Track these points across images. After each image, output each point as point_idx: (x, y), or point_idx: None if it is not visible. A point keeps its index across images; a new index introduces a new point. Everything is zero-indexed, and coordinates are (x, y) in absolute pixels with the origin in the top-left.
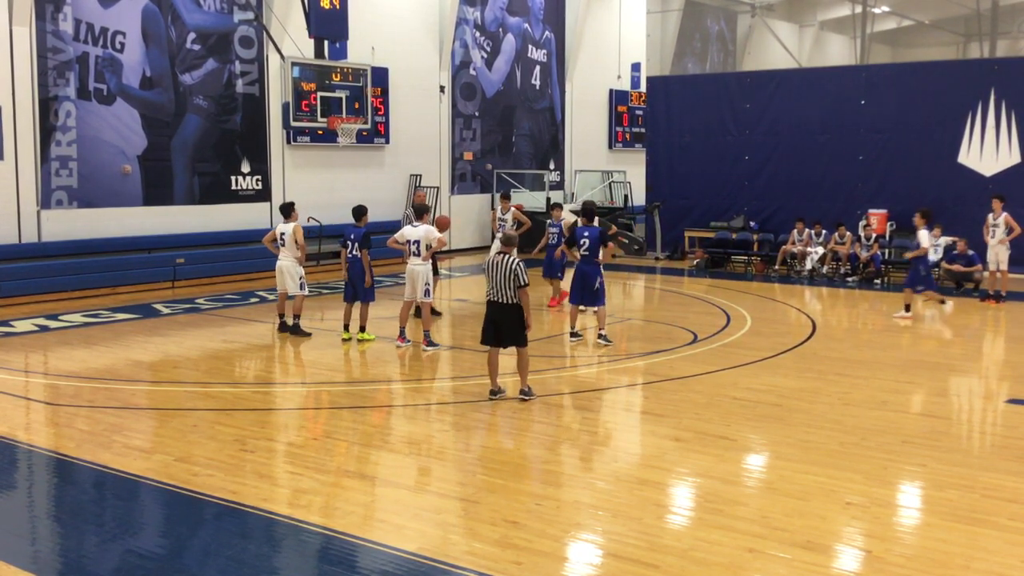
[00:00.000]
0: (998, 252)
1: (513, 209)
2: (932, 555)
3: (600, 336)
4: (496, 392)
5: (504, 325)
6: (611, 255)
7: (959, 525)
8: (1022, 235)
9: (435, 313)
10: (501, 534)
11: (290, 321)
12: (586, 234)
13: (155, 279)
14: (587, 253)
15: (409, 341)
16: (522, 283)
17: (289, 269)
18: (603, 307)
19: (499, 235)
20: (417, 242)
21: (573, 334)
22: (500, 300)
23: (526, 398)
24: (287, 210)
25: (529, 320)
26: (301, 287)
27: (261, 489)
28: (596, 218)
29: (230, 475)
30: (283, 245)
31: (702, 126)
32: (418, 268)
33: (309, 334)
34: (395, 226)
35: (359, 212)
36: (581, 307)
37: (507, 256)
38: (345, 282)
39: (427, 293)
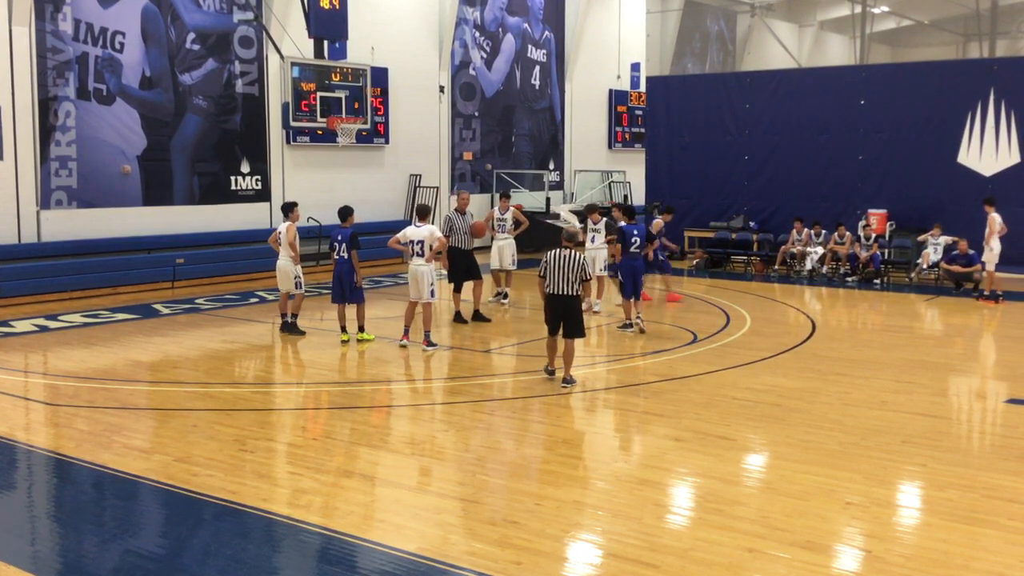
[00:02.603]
0: (984, 252)
1: (512, 208)
2: (932, 555)
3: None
4: (553, 372)
5: (569, 317)
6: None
7: (959, 525)
8: (1017, 235)
9: (484, 319)
10: (501, 534)
11: (289, 319)
12: (636, 232)
13: (155, 279)
14: (638, 250)
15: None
16: (587, 276)
17: (286, 268)
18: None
19: (563, 232)
20: (421, 242)
21: (627, 325)
22: (565, 293)
23: (567, 386)
24: (286, 209)
25: (600, 294)
26: (297, 286)
27: (261, 489)
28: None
29: (230, 475)
30: (281, 244)
31: (702, 126)
32: (422, 268)
33: (303, 333)
34: (395, 226)
35: (344, 213)
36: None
37: (573, 251)
38: (332, 284)
39: (432, 294)
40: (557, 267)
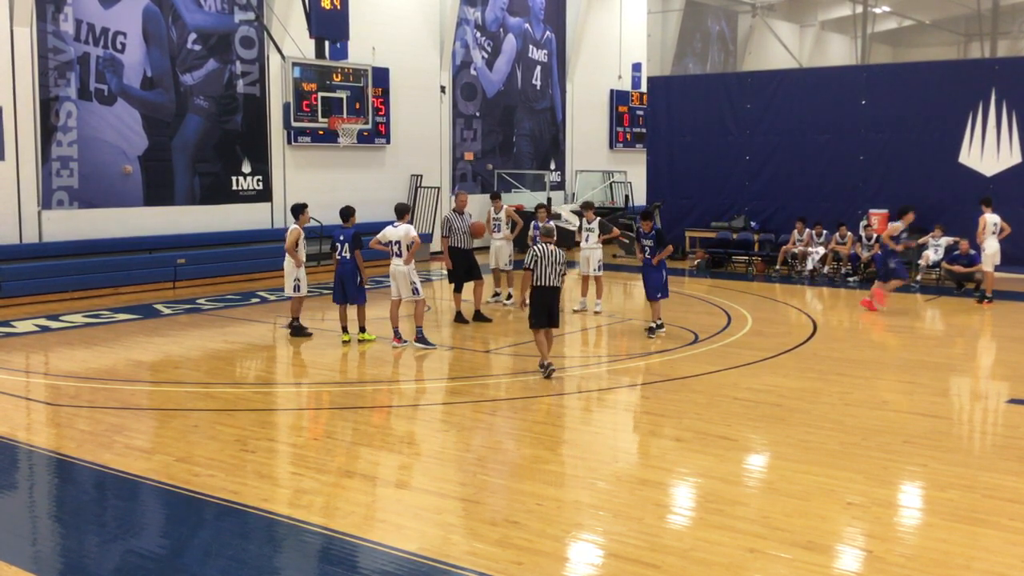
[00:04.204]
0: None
1: (506, 208)
2: (933, 555)
3: (657, 327)
4: (551, 369)
5: (554, 307)
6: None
7: (960, 525)
8: (1017, 235)
9: (485, 319)
10: (501, 534)
11: (296, 322)
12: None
13: (156, 279)
14: (648, 256)
15: (406, 341)
16: (565, 270)
17: (287, 271)
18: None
19: (538, 230)
20: (399, 242)
21: (653, 329)
22: (555, 285)
23: (551, 372)
24: (296, 211)
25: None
26: (295, 289)
27: (262, 489)
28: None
29: (231, 475)
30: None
31: (703, 126)
32: (400, 269)
33: (310, 334)
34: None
35: (346, 213)
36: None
37: (554, 246)
38: (333, 284)
39: (415, 291)
40: (546, 261)
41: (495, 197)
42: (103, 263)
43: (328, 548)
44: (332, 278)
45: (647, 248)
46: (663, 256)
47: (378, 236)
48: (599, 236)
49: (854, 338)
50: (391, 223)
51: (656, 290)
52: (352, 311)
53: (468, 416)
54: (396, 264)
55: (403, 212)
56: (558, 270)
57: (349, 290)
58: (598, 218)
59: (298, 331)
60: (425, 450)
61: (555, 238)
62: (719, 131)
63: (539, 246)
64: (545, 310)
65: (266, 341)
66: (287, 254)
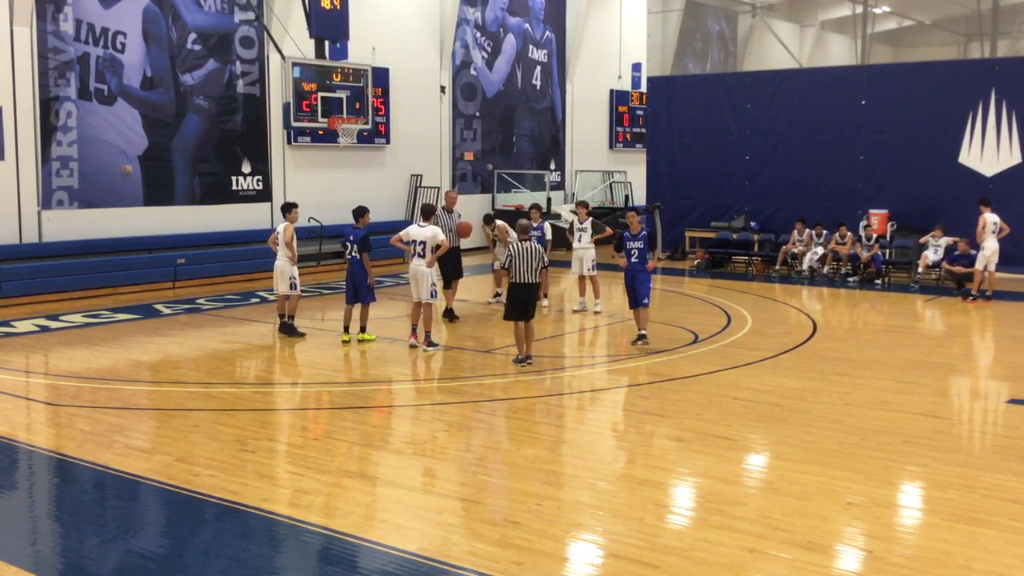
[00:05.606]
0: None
1: (499, 224)
2: (933, 555)
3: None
4: (527, 359)
5: (529, 301)
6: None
7: (960, 525)
8: (1017, 235)
9: (454, 318)
10: (502, 534)
11: (287, 320)
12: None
13: (156, 279)
14: (637, 260)
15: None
16: (545, 263)
17: (282, 269)
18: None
19: (517, 227)
20: (423, 243)
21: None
22: (528, 281)
23: (529, 363)
24: (285, 210)
25: (546, 290)
26: (292, 287)
27: (262, 489)
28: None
29: (231, 475)
30: (279, 245)
31: (703, 126)
32: (422, 270)
33: (303, 334)
34: (396, 226)
35: (358, 213)
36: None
37: (531, 243)
38: (346, 283)
39: (433, 294)
40: (521, 259)
41: (486, 222)
42: (103, 263)
43: (328, 548)
44: (332, 278)
45: (634, 251)
46: (654, 261)
47: (400, 234)
48: (592, 236)
49: (854, 338)
50: (391, 223)
51: (645, 296)
52: (355, 311)
53: (468, 416)
54: (417, 264)
55: (429, 213)
56: (534, 267)
57: (361, 289)
58: (590, 218)
59: (291, 330)
60: (425, 450)
61: (530, 235)
62: (719, 131)
63: (514, 245)
64: (520, 305)
65: (266, 341)
66: (286, 249)
